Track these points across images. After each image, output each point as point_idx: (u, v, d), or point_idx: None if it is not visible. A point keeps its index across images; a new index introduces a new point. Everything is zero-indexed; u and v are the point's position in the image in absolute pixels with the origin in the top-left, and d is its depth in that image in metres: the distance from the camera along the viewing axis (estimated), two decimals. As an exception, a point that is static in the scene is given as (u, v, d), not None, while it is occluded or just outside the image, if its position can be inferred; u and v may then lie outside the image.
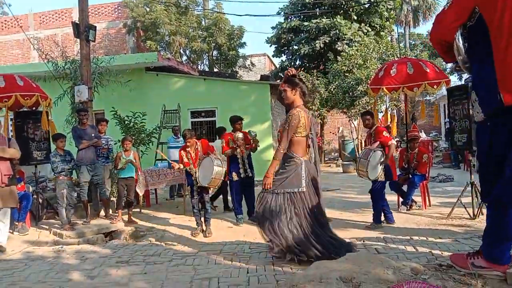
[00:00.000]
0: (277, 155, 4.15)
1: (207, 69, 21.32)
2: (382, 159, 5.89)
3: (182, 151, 6.29)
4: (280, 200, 4.11)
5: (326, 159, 20.75)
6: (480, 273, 2.22)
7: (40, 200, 7.38)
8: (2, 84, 6.45)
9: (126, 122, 9.72)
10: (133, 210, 7.60)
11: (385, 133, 6.06)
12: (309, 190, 4.16)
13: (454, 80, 30.23)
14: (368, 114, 6.37)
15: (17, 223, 6.53)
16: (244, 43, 21.76)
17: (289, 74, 4.29)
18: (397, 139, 17.10)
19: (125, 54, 17.90)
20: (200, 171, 5.99)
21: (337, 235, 4.33)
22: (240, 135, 6.75)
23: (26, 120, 7.08)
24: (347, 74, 16.09)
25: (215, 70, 21.24)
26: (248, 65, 22.64)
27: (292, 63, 20.76)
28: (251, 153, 6.90)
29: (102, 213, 7.44)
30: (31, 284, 3.92)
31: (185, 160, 6.18)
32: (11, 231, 6.33)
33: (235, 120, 6.87)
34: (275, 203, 4.11)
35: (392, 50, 16.53)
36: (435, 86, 6.60)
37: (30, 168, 7.36)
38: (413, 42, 33.64)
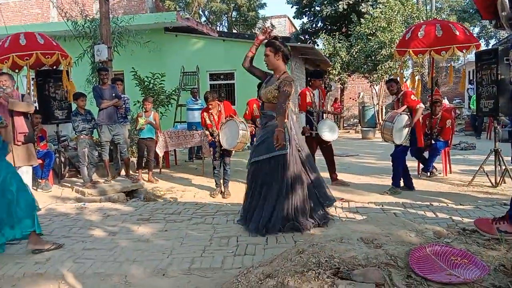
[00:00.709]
0: (283, 113, 3.90)
1: (226, 31, 20.98)
2: (408, 123, 5.79)
3: (204, 112, 6.26)
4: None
5: (345, 125, 20.57)
6: (507, 238, 2.18)
7: (63, 159, 7.52)
8: (23, 42, 6.44)
9: (146, 83, 9.71)
10: (153, 170, 7.71)
11: (413, 97, 5.95)
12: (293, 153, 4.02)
13: (481, 47, 29.14)
14: (392, 81, 6.22)
15: (40, 181, 6.70)
16: (264, 3, 21.30)
17: (270, 36, 4.08)
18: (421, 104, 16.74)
19: (144, 14, 17.68)
20: (224, 134, 5.98)
21: None
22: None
23: (47, 79, 7.11)
24: (370, 37, 15.64)
25: (234, 31, 20.88)
26: (268, 26, 22.17)
27: (314, 25, 20.26)
28: None
29: (123, 172, 7.57)
30: (55, 238, 4.04)
31: (208, 122, 6.16)
32: (34, 188, 6.51)
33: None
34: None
35: (418, 12, 15.92)
36: (464, 50, 6.32)
37: (52, 127, 7.47)
38: (440, 6, 32.29)
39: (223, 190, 6.24)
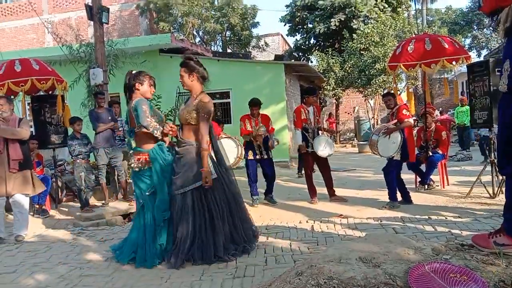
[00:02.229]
0: (204, 148, 3.78)
1: (220, 50, 21.19)
2: (398, 138, 5.80)
3: None
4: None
5: (341, 139, 20.63)
6: (505, 251, 2.16)
7: (59, 183, 7.50)
8: (18, 69, 6.49)
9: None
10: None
11: (404, 111, 5.96)
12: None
13: (473, 57, 29.46)
14: (390, 95, 6.26)
15: (37, 206, 6.66)
16: (258, 22, 21.56)
17: (186, 57, 4.00)
18: (414, 117, 16.86)
19: (139, 36, 17.86)
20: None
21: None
22: (262, 129, 6.44)
23: (43, 104, 7.14)
24: (363, 52, 15.84)
25: (229, 51, 21.08)
26: (262, 45, 22.41)
27: (307, 42, 20.50)
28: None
29: (120, 195, 7.53)
30: (52, 265, 4.00)
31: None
32: (31, 213, 6.46)
33: (253, 104, 6.53)
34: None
35: (409, 26, 16.19)
36: (453, 62, 6.44)
37: (49, 151, 7.46)
38: (431, 19, 32.79)
39: None
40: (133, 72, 4.09)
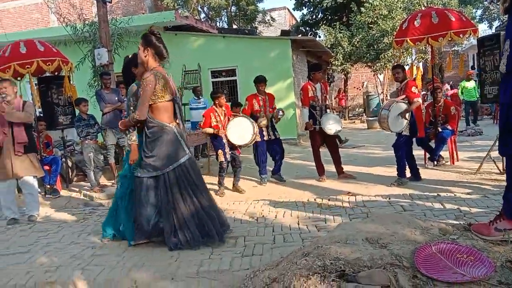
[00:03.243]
0: (131, 119, 3.68)
1: (226, 26, 20.92)
2: (404, 112, 5.74)
3: (211, 112, 6.21)
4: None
5: (350, 115, 20.48)
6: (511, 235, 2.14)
7: (70, 164, 7.58)
8: (23, 50, 6.47)
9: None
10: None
11: (413, 89, 5.85)
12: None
13: (484, 29, 28.75)
14: (399, 68, 6.14)
15: (48, 186, 6.76)
16: (264, -3, 21.14)
17: (149, 30, 3.78)
18: (423, 92, 16.67)
19: (143, 14, 17.65)
20: (233, 132, 5.97)
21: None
22: (264, 122, 6.43)
23: (49, 85, 7.14)
24: (371, 26, 15.53)
25: (234, 26, 20.80)
26: (268, 20, 22.08)
27: (314, 16, 20.14)
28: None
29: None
30: (65, 245, 4.08)
31: (214, 123, 6.10)
32: (43, 193, 6.57)
33: (260, 81, 6.53)
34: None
35: (418, -1, 15.74)
36: (461, 35, 6.34)
37: (57, 132, 7.51)
38: (441, -11, 31.93)
39: (237, 187, 6.27)
40: (130, 56, 4.14)
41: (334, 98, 19.74)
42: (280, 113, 6.56)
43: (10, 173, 5.08)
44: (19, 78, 6.96)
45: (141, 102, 3.62)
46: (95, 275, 3.30)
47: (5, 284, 3.29)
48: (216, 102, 6.20)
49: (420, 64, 15.48)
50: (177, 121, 3.82)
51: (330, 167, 6.71)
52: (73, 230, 4.59)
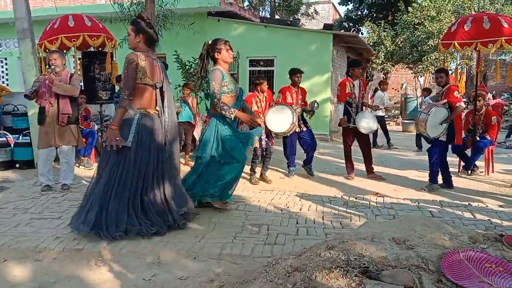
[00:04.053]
0: (121, 103, 3.71)
1: (268, 16, 20.84)
2: (445, 118, 5.57)
3: (252, 98, 6.24)
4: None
5: (386, 116, 20.05)
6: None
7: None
8: (71, 24, 6.66)
9: (187, 67, 9.83)
10: (190, 154, 7.85)
11: (456, 93, 5.67)
12: (141, 150, 3.73)
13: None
14: (442, 72, 5.93)
15: (83, 158, 6.99)
16: (309, -11, 20.93)
17: (138, 16, 3.89)
18: (465, 99, 16.14)
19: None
20: (273, 119, 5.98)
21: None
22: (298, 110, 6.38)
23: (93, 60, 7.32)
24: (417, 26, 15.10)
25: (277, 17, 20.70)
26: (311, 12, 21.83)
27: (359, 12, 19.76)
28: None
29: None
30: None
31: (255, 108, 6.12)
32: (77, 164, 6.80)
33: (296, 72, 6.49)
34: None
35: (469, 2, 15.17)
36: (512, 43, 6.05)
37: (96, 107, 7.72)
38: (495, -6, 30.60)
39: (264, 177, 6.28)
40: (210, 41, 4.36)
41: (371, 98, 19.38)
42: (315, 105, 6.49)
43: (52, 141, 5.34)
44: (65, 51, 7.17)
45: (124, 81, 3.73)
46: (120, 247, 3.41)
47: (36, 246, 3.46)
48: (258, 88, 6.22)
49: (464, 70, 14.97)
50: (158, 108, 3.86)
51: (359, 166, 6.63)
52: (104, 201, 4.74)
